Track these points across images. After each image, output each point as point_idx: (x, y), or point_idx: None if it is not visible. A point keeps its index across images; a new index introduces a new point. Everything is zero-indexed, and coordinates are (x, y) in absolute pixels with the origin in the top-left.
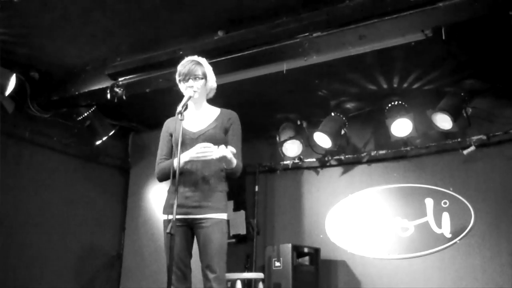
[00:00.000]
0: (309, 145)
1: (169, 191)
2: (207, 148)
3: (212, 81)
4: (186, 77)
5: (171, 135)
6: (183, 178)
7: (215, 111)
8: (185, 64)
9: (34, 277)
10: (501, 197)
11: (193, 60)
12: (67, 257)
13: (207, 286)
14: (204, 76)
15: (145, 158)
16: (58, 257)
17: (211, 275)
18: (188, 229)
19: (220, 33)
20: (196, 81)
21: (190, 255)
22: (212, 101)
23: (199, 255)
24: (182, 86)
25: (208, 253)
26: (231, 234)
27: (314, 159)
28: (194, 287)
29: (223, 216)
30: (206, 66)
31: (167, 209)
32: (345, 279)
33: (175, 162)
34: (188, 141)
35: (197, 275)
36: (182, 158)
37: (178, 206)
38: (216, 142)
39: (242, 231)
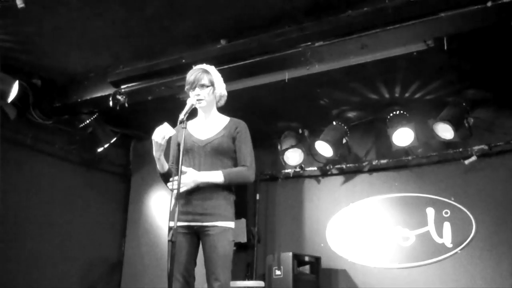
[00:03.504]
0: (311, 154)
1: (175, 198)
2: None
3: (221, 89)
4: (193, 85)
5: (178, 144)
6: None
7: (224, 120)
8: (192, 73)
9: (35, 284)
10: (502, 207)
11: (200, 69)
12: (68, 264)
13: None
14: (211, 84)
15: (146, 165)
16: (59, 263)
17: (215, 283)
18: (194, 237)
19: (222, 42)
20: (203, 89)
21: (195, 263)
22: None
23: (204, 262)
24: (190, 95)
25: (213, 261)
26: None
27: (315, 168)
28: None
29: (230, 224)
30: (214, 74)
31: (173, 216)
32: None
33: (180, 169)
34: (196, 149)
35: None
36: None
37: (185, 213)
38: (223, 150)
39: (243, 239)
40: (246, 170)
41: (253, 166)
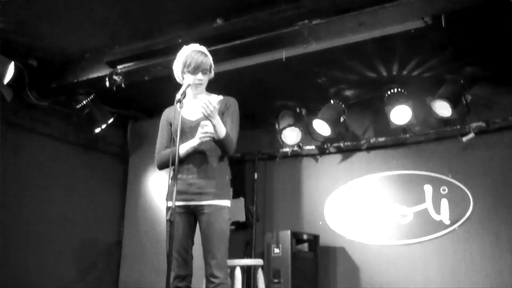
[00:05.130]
0: (308, 133)
1: (171, 178)
2: (206, 128)
3: (213, 72)
4: (196, 70)
5: (170, 124)
6: (187, 165)
7: (214, 98)
8: (193, 56)
9: (34, 264)
10: (500, 183)
11: (200, 51)
12: (67, 245)
13: (208, 272)
14: (210, 68)
15: (144, 146)
16: (58, 244)
17: (212, 261)
18: (190, 216)
19: (219, 21)
20: (206, 75)
21: (192, 242)
22: (211, 89)
23: (201, 241)
24: (186, 76)
25: (209, 240)
26: (231, 221)
27: (313, 147)
28: (195, 273)
29: (226, 202)
30: (210, 57)
31: (170, 195)
32: (344, 265)
33: (178, 150)
34: (188, 129)
35: (199, 261)
36: (184, 148)
37: (181, 192)
38: None
39: (241, 218)
40: (233, 143)
41: (235, 141)
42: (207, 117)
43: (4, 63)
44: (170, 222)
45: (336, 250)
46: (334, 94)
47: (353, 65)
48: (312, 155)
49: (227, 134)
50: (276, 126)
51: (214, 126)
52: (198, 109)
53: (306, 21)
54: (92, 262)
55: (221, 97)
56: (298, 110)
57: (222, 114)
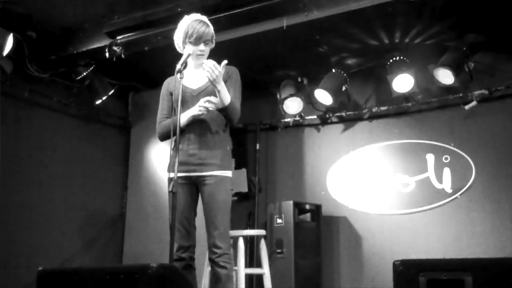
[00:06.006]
0: (310, 102)
1: (173, 149)
2: (207, 103)
3: (214, 42)
4: (199, 41)
5: (171, 94)
6: (188, 136)
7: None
8: (194, 26)
9: (37, 238)
10: (502, 152)
11: (201, 21)
12: (70, 217)
13: (211, 242)
14: (212, 39)
15: (145, 117)
16: (61, 217)
17: (215, 232)
18: (192, 187)
19: None
20: (208, 45)
21: (195, 213)
22: (211, 58)
23: (203, 212)
24: (187, 47)
25: (212, 210)
26: (233, 192)
27: (315, 116)
28: (198, 244)
29: (228, 173)
30: (211, 27)
31: (171, 167)
32: (346, 235)
33: (179, 120)
34: (189, 98)
35: (201, 232)
36: (184, 117)
37: (183, 163)
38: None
39: (244, 189)
40: (238, 111)
41: (239, 109)
42: (212, 82)
43: (3, 34)
44: (173, 194)
45: (338, 220)
46: (335, 63)
47: (354, 33)
48: (314, 125)
49: (231, 102)
50: (278, 96)
51: (219, 92)
52: (200, 78)
53: None
54: (96, 235)
55: (226, 61)
56: (299, 79)
57: (224, 83)
